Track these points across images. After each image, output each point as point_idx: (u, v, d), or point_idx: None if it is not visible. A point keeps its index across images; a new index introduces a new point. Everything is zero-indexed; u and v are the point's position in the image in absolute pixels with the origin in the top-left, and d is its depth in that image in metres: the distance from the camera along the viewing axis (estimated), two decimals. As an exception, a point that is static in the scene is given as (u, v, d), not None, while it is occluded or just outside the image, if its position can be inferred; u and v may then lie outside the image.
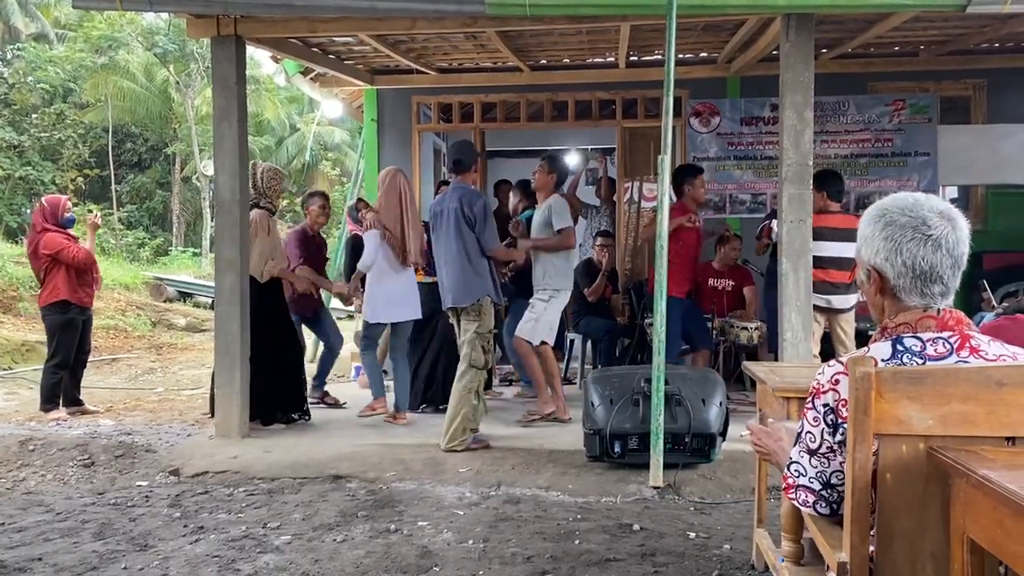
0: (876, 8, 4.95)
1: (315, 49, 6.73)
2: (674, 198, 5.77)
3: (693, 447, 4.46)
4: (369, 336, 5.89)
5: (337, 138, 24.81)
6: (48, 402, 6.35)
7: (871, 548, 1.63)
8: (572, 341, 7.31)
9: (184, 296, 15.56)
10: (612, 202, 8.09)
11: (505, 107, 7.96)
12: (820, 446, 1.74)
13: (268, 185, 5.72)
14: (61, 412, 6.32)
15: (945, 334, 1.69)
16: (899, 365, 1.66)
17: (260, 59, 7.48)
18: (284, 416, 5.68)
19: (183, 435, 5.74)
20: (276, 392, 5.64)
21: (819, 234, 5.28)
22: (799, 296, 4.80)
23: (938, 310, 1.71)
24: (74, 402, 6.51)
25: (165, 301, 14.85)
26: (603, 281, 7.00)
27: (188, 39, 14.45)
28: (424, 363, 6.16)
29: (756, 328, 6.51)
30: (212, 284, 6.36)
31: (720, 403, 4.60)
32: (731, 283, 6.93)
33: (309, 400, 5.94)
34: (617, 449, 4.48)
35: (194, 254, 20.84)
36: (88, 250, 6.42)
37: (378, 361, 6.05)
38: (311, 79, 7.67)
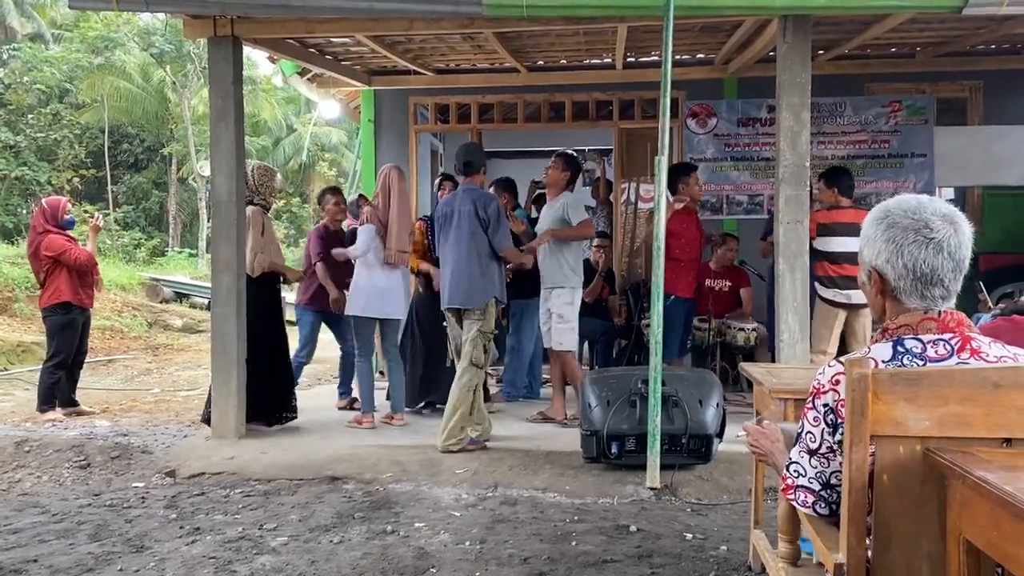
0: (873, 9, 4.96)
1: (312, 50, 6.73)
2: (670, 198, 5.77)
3: (690, 448, 4.46)
4: (362, 336, 5.77)
5: (334, 138, 24.79)
6: (45, 402, 6.34)
7: (868, 549, 1.63)
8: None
9: (180, 297, 15.53)
10: (609, 203, 8.10)
11: (502, 108, 7.96)
12: (820, 446, 1.74)
13: (260, 183, 5.71)
14: (57, 413, 6.30)
15: (946, 336, 1.69)
16: (900, 367, 1.66)
17: (257, 59, 7.49)
18: (282, 416, 5.68)
19: (179, 436, 5.73)
20: (274, 392, 5.65)
21: (832, 230, 5.33)
22: (796, 297, 4.80)
23: (939, 312, 1.71)
24: (70, 403, 6.50)
25: (161, 302, 14.82)
26: (600, 282, 7.01)
27: (185, 39, 14.47)
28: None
29: (753, 329, 6.52)
30: (208, 285, 6.35)
31: (717, 404, 4.60)
32: (728, 284, 6.94)
33: (338, 407, 6.15)
34: (614, 450, 4.48)
35: (190, 255, 20.79)
36: (90, 252, 6.45)
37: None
38: (308, 80, 7.66)
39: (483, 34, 6.16)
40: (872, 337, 1.80)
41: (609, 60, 7.26)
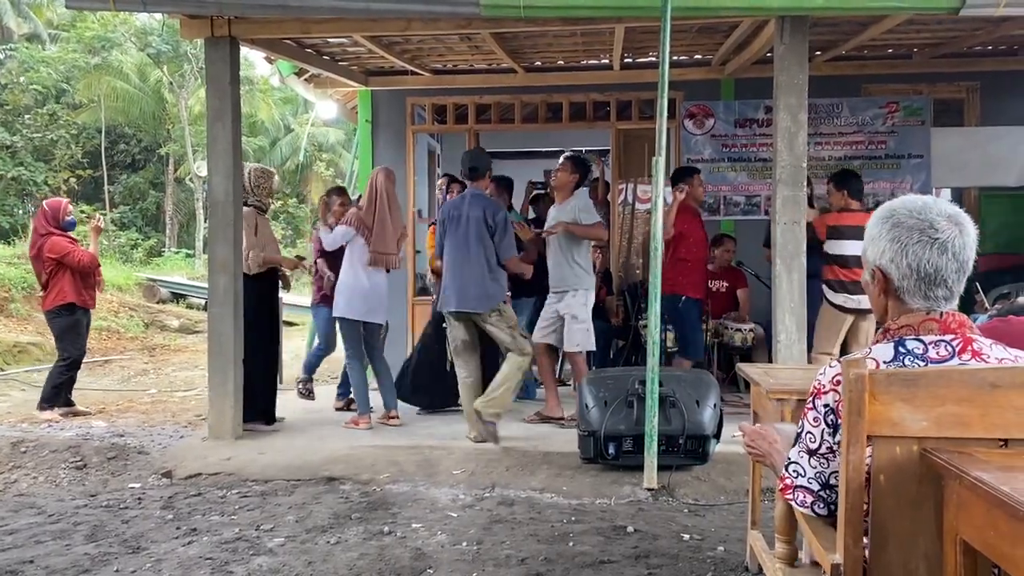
0: (870, 10, 4.97)
1: (309, 50, 6.72)
2: (668, 197, 5.79)
3: (687, 449, 4.46)
4: (347, 338, 5.75)
5: (331, 138, 24.78)
6: (46, 401, 6.36)
7: (864, 550, 1.63)
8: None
9: (177, 297, 15.51)
10: (606, 204, 8.10)
11: (499, 109, 7.95)
12: (820, 446, 1.74)
13: (256, 184, 5.72)
14: (54, 413, 6.30)
15: (947, 337, 1.69)
16: (901, 367, 1.66)
17: (254, 60, 7.50)
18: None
19: (176, 437, 5.72)
20: (272, 391, 5.67)
21: (841, 232, 5.33)
22: (793, 298, 4.80)
23: (941, 313, 1.71)
24: (66, 403, 6.49)
25: (158, 302, 14.80)
26: (597, 282, 6.99)
27: (182, 40, 14.43)
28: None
29: (750, 330, 6.53)
30: (205, 285, 6.33)
31: (714, 405, 4.60)
32: (725, 285, 6.94)
33: (335, 408, 6.23)
34: (611, 451, 4.48)
35: (187, 255, 20.77)
36: (92, 254, 6.51)
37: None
38: (305, 80, 7.66)
39: (480, 35, 6.15)
40: (874, 338, 1.80)
41: (606, 61, 7.25)
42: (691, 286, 5.96)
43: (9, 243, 15.82)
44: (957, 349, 1.68)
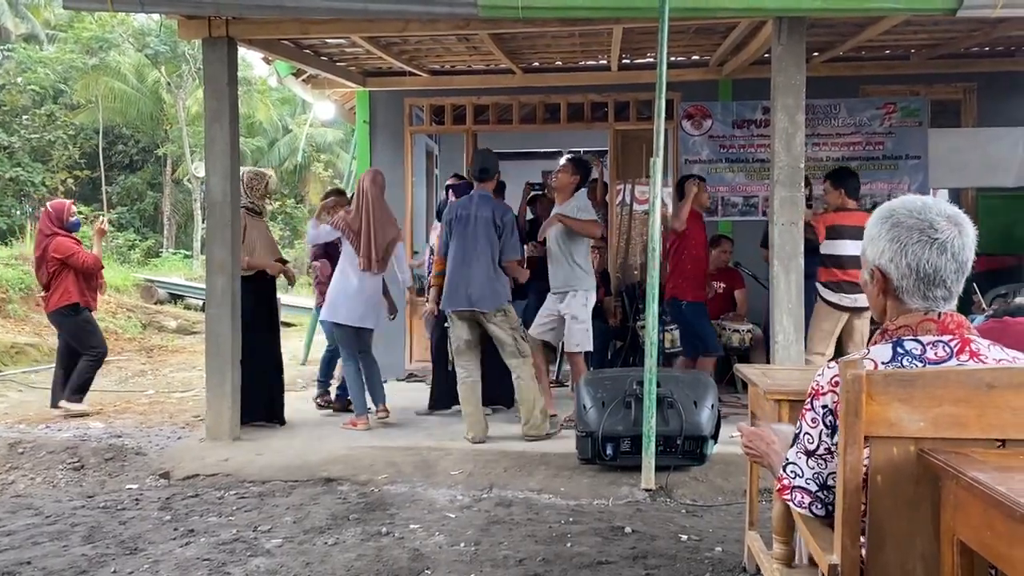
0: (868, 11, 4.97)
1: (307, 51, 6.72)
2: (666, 199, 5.83)
3: (685, 449, 4.46)
4: (344, 341, 5.72)
5: (329, 138, 24.75)
6: (77, 392, 6.40)
7: (862, 550, 1.63)
8: (563, 343, 7.28)
9: (175, 298, 15.48)
10: (605, 205, 8.10)
11: (497, 109, 7.95)
12: (818, 447, 1.74)
13: (250, 185, 5.75)
14: (83, 406, 6.38)
15: (945, 337, 1.69)
16: (899, 368, 1.66)
17: (252, 60, 7.47)
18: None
19: (173, 438, 5.71)
20: (272, 391, 5.68)
21: (839, 232, 5.33)
22: (790, 299, 4.80)
23: (939, 313, 1.71)
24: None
25: (156, 303, 14.77)
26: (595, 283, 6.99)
27: (179, 40, 14.41)
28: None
29: (748, 331, 6.53)
30: (203, 286, 6.32)
31: (712, 405, 4.60)
32: (722, 285, 6.94)
33: (333, 408, 6.25)
34: (609, 451, 4.48)
35: (185, 256, 20.75)
36: (96, 255, 6.56)
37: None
38: (303, 81, 7.65)
39: (478, 35, 6.15)
40: (872, 338, 1.80)
41: (604, 62, 7.26)
42: (692, 288, 6.03)
43: (7, 244, 15.78)
44: (955, 350, 1.68)
